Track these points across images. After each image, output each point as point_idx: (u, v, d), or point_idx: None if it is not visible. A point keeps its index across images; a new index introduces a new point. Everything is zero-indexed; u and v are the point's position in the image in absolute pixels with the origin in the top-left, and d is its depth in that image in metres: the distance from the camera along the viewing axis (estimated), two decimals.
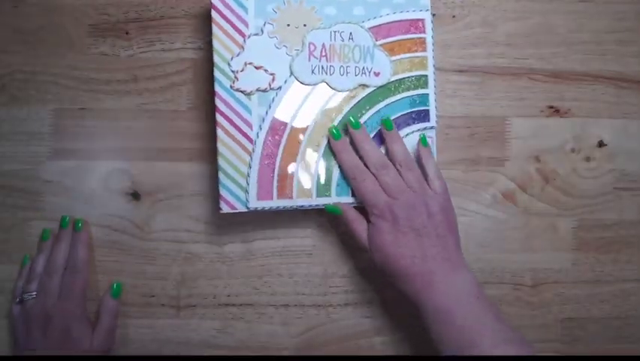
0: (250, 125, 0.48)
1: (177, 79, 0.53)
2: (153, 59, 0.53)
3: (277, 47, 0.49)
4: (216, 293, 0.53)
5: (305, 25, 0.49)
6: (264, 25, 0.49)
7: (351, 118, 0.49)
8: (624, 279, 0.55)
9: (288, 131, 0.49)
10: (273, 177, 0.49)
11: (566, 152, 0.55)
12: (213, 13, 0.48)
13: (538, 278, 0.54)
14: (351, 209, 0.49)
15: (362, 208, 0.49)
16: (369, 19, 0.50)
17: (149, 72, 0.53)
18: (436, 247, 0.45)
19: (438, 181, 0.48)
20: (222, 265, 0.53)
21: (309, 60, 0.49)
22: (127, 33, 0.53)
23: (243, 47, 0.48)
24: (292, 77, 0.49)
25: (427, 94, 0.51)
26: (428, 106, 0.51)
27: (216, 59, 0.48)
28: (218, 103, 0.48)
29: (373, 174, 0.47)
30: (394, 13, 0.50)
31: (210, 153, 0.52)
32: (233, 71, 0.48)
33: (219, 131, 0.48)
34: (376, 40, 0.50)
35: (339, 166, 0.49)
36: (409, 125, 0.50)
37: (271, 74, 0.49)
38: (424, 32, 0.51)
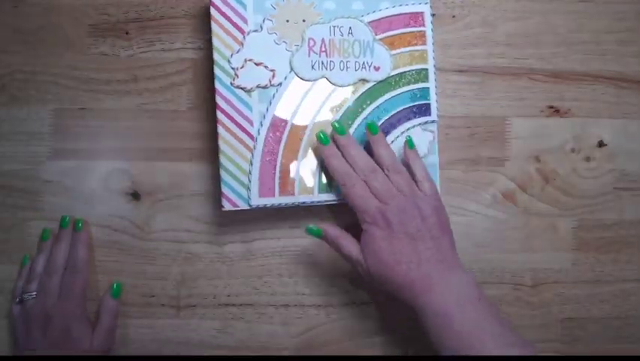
0: (251, 122, 0.48)
1: (177, 79, 0.53)
2: (153, 59, 0.53)
3: (277, 43, 0.49)
4: (216, 293, 0.53)
5: (304, 21, 0.49)
6: (263, 21, 0.49)
7: (335, 123, 0.47)
8: (624, 279, 0.55)
9: (288, 127, 0.49)
10: (274, 173, 0.49)
11: (566, 152, 0.55)
12: (212, 11, 0.48)
13: (538, 278, 0.54)
14: (332, 226, 0.48)
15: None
16: (368, 14, 0.50)
17: (149, 72, 0.53)
18: (431, 250, 0.44)
19: (427, 183, 0.47)
20: (222, 265, 0.53)
21: (309, 56, 0.49)
22: (127, 33, 0.53)
23: (242, 44, 0.48)
24: (292, 73, 0.49)
25: (428, 88, 0.51)
26: (429, 100, 0.51)
27: (216, 56, 0.48)
28: (218, 100, 0.48)
29: (362, 180, 0.46)
30: (393, 6, 0.50)
31: (210, 153, 0.52)
32: (233, 68, 0.48)
33: (220, 129, 0.48)
34: (376, 35, 0.50)
35: (326, 172, 0.48)
36: (410, 119, 0.50)
37: (271, 71, 0.49)
38: (423, 26, 0.51)
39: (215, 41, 0.48)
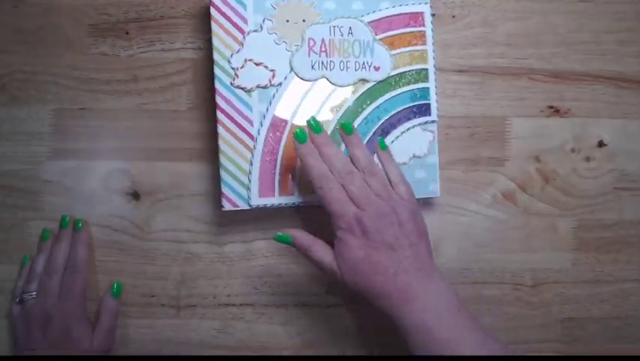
0: (251, 122, 0.48)
1: (177, 79, 0.53)
2: (153, 59, 0.53)
3: (277, 43, 0.49)
4: (216, 293, 0.53)
5: (304, 21, 0.49)
6: (263, 21, 0.49)
7: (310, 120, 0.44)
8: (624, 279, 0.55)
9: (288, 127, 0.49)
10: (274, 173, 0.49)
11: (566, 152, 0.55)
12: (212, 11, 0.48)
13: (538, 278, 0.54)
14: (302, 233, 0.45)
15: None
16: (368, 14, 0.50)
17: (149, 72, 0.53)
18: (409, 258, 0.42)
19: (403, 186, 0.44)
20: (222, 265, 0.53)
21: (309, 56, 0.49)
22: (127, 33, 0.53)
23: (242, 44, 0.48)
24: (292, 73, 0.49)
25: (428, 88, 0.51)
26: (429, 100, 0.51)
27: (216, 56, 0.48)
28: (218, 100, 0.48)
29: (339, 183, 0.43)
30: (393, 6, 0.50)
31: (210, 153, 0.52)
32: (233, 68, 0.48)
33: (220, 129, 0.48)
34: (376, 35, 0.50)
35: (304, 172, 0.46)
36: (410, 119, 0.51)
37: (271, 71, 0.49)
38: (423, 26, 0.51)
39: (215, 41, 0.48)
